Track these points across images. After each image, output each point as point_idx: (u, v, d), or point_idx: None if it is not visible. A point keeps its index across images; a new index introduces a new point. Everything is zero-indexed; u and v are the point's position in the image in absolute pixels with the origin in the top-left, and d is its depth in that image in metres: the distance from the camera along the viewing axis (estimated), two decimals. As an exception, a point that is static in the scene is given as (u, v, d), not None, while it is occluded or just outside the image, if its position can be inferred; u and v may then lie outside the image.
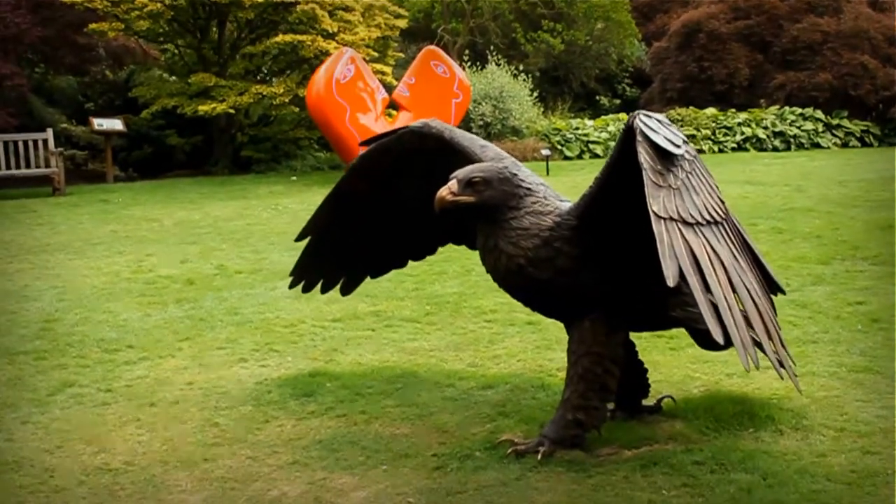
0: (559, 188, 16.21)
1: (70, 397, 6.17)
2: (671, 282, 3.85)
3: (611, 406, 5.39)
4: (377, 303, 8.36)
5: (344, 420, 5.57)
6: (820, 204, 13.79)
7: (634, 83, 36.96)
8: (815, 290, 8.35)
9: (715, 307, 3.86)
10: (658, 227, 3.99)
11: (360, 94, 20.58)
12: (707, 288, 3.87)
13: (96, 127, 22.33)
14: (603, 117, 27.99)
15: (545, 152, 22.05)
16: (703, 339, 5.44)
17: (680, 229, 4.00)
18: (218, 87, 22.03)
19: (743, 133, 27.46)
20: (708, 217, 4.13)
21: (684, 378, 6.07)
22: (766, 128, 27.49)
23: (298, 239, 6.23)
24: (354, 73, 20.49)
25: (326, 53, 21.19)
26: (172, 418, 5.71)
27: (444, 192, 4.77)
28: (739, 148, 27.20)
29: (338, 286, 6.40)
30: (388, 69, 23.70)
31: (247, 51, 23.10)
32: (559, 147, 25.92)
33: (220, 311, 8.28)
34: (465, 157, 5.31)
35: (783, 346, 4.08)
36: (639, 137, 4.26)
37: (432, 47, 22.68)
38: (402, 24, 25.08)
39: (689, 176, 4.24)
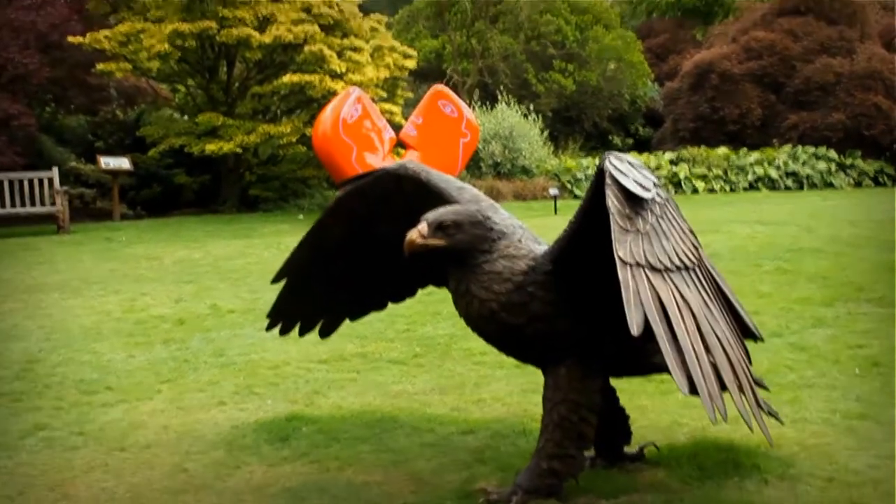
0: (562, 226, 15.93)
1: (40, 441, 6.01)
2: (635, 331, 3.68)
3: (591, 454, 5.24)
4: (366, 344, 8.19)
5: (316, 466, 5.39)
6: (829, 244, 13.60)
7: (648, 123, 36.93)
8: (816, 332, 8.15)
9: (682, 356, 3.68)
10: (624, 274, 3.83)
11: (367, 134, 20.46)
12: (674, 336, 3.69)
13: (103, 166, 22.30)
14: (613, 157, 27.80)
15: (553, 192, 21.91)
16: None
17: (647, 275, 3.84)
18: (226, 126, 22.02)
19: (755, 173, 27.32)
20: (678, 262, 3.96)
21: (671, 424, 5.88)
22: (778, 167, 27.35)
23: (275, 281, 6.07)
24: (361, 112, 20.38)
25: (334, 93, 21.12)
26: (141, 463, 5.54)
27: (413, 234, 4.62)
28: (751, 187, 27.07)
29: (316, 329, 6.22)
30: (396, 109, 23.66)
31: (255, 91, 23.09)
32: (569, 186, 25.80)
33: (206, 352, 8.13)
34: (442, 199, 5.16)
35: (755, 396, 3.89)
36: (608, 181, 4.12)
37: (440, 87, 22.54)
38: (411, 64, 25.03)
39: (660, 220, 4.08)
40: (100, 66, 21.49)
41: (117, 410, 6.60)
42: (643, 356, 4.86)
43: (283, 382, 7.16)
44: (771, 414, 5.21)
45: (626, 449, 5.25)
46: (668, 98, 32.75)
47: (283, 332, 6.21)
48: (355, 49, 22.96)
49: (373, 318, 6.59)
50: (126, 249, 16.26)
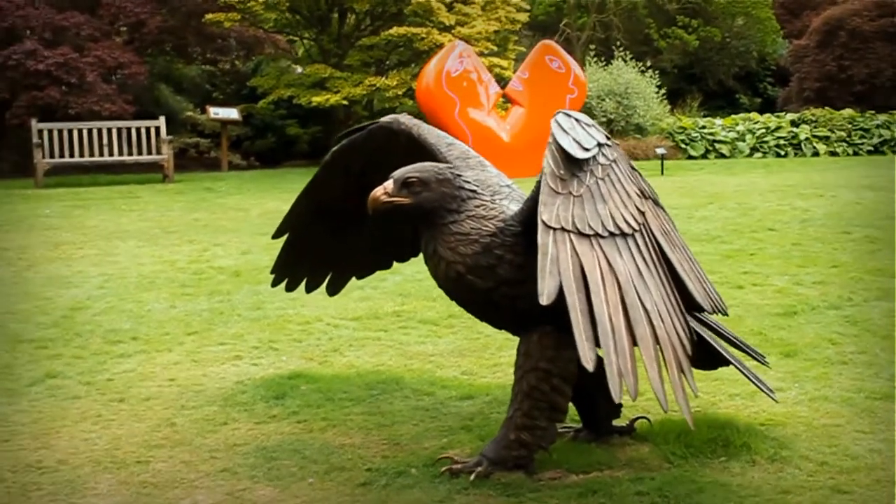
0: (668, 187, 15.77)
1: (47, 389, 6.03)
2: (544, 300, 3.46)
3: (578, 425, 5.04)
4: (406, 302, 8.06)
5: (301, 426, 5.28)
6: (933, 214, 12.97)
7: (777, 82, 35.87)
8: (878, 305, 7.74)
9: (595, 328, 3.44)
10: (544, 238, 3.60)
11: (471, 88, 20.31)
12: (590, 307, 3.46)
13: (212, 115, 22.60)
14: (732, 116, 27.09)
15: (660, 151, 21.41)
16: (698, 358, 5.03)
17: (572, 240, 3.60)
18: (333, 78, 22.02)
19: (881, 136, 26.34)
20: (612, 228, 3.70)
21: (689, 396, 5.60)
22: (906, 131, 26.23)
23: (275, 236, 5.98)
24: (466, 66, 20.22)
25: (441, 46, 20.97)
26: (133, 416, 5.51)
27: (378, 192, 4.45)
28: (876, 151, 26.12)
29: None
30: (507, 63, 23.35)
31: (363, 43, 23.03)
32: (683, 146, 25.20)
33: (246, 305, 8.10)
34: (432, 155, 4.98)
35: (685, 374, 3.62)
36: (550, 139, 3.88)
37: (548, 42, 22.27)
38: (523, 17, 24.71)
39: (600, 182, 3.83)
40: (209, 16, 21.70)
41: (133, 361, 6.59)
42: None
43: (306, 339, 7.07)
44: (762, 389, 4.93)
45: (616, 422, 5.02)
46: (795, 56, 31.70)
47: (289, 288, 6.11)
48: (465, 2, 22.72)
49: (424, 275, 6.40)
50: (220, 200, 16.42)
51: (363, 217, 5.50)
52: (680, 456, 4.72)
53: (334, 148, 5.54)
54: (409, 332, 7.22)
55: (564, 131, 3.94)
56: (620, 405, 4.99)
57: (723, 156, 25.23)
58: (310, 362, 6.53)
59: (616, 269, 3.58)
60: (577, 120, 4.05)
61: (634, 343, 3.49)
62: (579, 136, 3.92)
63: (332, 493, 4.41)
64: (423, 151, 5.06)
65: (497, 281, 4.39)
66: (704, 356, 4.89)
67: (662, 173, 20.57)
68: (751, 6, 33.38)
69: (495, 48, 23.55)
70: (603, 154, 3.93)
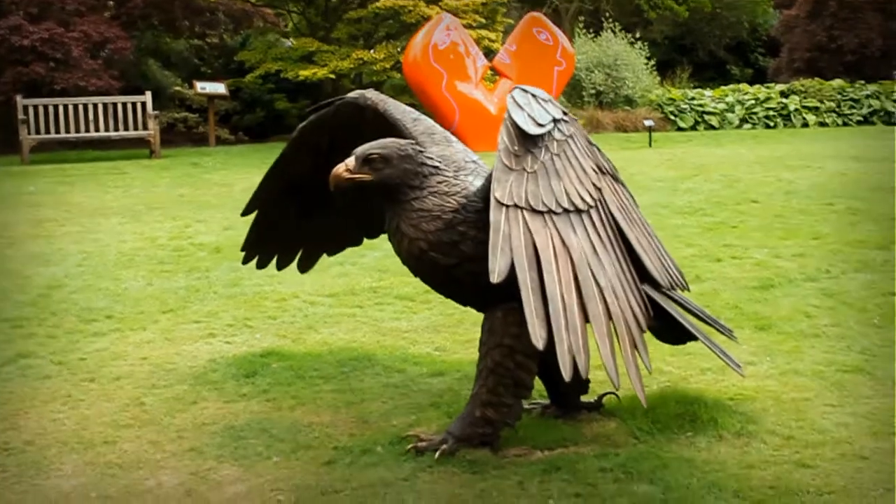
0: (655, 159, 15.74)
1: (18, 369, 6.02)
2: (495, 277, 3.45)
3: (545, 401, 5.03)
4: (383, 278, 8.05)
5: (270, 405, 5.28)
6: (918, 185, 12.95)
7: (769, 53, 35.79)
8: (855, 277, 7.75)
9: (547, 306, 3.43)
10: (496, 216, 3.59)
11: (459, 61, 20.24)
12: (542, 284, 3.44)
13: (199, 90, 22.50)
14: (722, 87, 27.02)
15: (648, 123, 21.35)
16: (663, 332, 5.03)
17: (524, 217, 3.59)
18: (320, 52, 21.93)
19: (871, 106, 26.30)
20: (567, 204, 3.69)
21: (653, 372, 5.58)
22: (896, 101, 26.16)
23: (244, 214, 5.96)
24: (453, 39, 20.15)
25: (428, 19, 20.87)
26: (102, 395, 5.50)
27: (339, 168, 4.44)
28: (866, 121, 26.10)
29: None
30: (495, 36, 23.24)
31: (350, 16, 22.91)
32: (672, 118, 25.14)
33: (223, 282, 8.08)
34: (398, 131, 4.96)
35: (639, 350, 3.62)
36: (505, 115, 3.86)
37: (535, 14, 22.22)
38: (512, -11, 24.57)
39: (555, 158, 3.81)
40: (194, -10, 21.57)
41: (106, 340, 6.58)
42: None
43: (281, 316, 7.06)
44: (729, 364, 4.92)
45: (584, 398, 5.01)
46: (785, 26, 31.66)
47: (260, 265, 6.10)
48: (453, -26, 22.61)
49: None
50: (205, 175, 16.38)
51: (332, 193, 5.49)
52: (646, 431, 4.72)
53: (302, 124, 5.51)
54: (384, 308, 7.20)
55: (520, 107, 3.92)
56: (588, 381, 4.99)
57: (712, 127, 25.18)
58: (283, 340, 6.52)
59: (569, 246, 3.56)
60: (533, 95, 4.03)
61: (587, 320, 3.48)
62: (534, 111, 3.90)
63: (296, 472, 4.41)
64: (389, 127, 5.05)
65: (460, 257, 4.38)
66: (672, 331, 4.89)
67: (650, 145, 20.52)
68: (741, -24, 33.27)
69: (483, 20, 23.42)
70: (559, 130, 3.91)
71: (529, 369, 4.49)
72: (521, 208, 3.62)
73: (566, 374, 3.37)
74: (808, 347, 6.00)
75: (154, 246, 9.94)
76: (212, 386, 5.60)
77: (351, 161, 4.43)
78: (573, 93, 25.55)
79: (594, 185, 3.86)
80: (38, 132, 19.83)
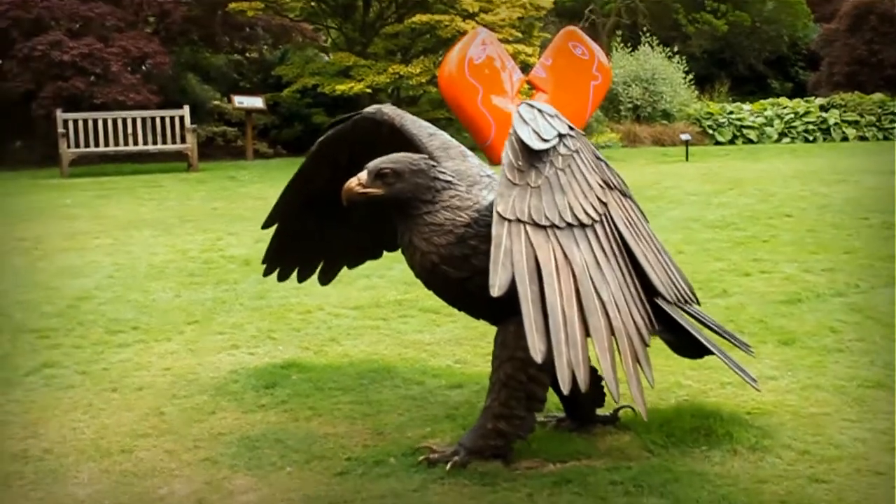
0: (691, 173, 15.67)
1: (42, 378, 6.07)
2: (495, 291, 3.46)
3: (560, 414, 5.02)
4: (409, 290, 8.05)
5: (287, 416, 5.30)
6: (955, 200, 12.82)
7: (809, 66, 35.57)
8: (883, 292, 7.68)
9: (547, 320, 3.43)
10: (499, 230, 3.60)
11: (494, 76, 20.23)
12: (543, 298, 3.45)
13: (237, 104, 22.67)
14: (761, 101, 26.88)
15: (684, 137, 21.26)
16: (679, 346, 5.02)
17: (527, 232, 3.59)
18: (357, 66, 22.03)
19: (912, 120, 26.01)
20: (570, 219, 3.69)
21: (672, 385, 5.59)
22: (939, 115, 25.92)
23: (265, 226, 6.01)
24: (489, 53, 20.16)
25: (464, 34, 20.92)
26: (123, 405, 5.55)
27: (352, 182, 4.47)
28: (907, 135, 25.80)
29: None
30: (531, 50, 23.26)
31: (387, 30, 23.02)
32: (710, 132, 25.04)
33: (249, 294, 8.13)
34: (413, 145, 4.99)
35: (641, 364, 3.60)
36: (510, 131, 3.88)
37: (571, 28, 22.16)
38: (548, 3, 24.60)
39: (560, 173, 3.81)
40: (232, 5, 21.76)
41: (130, 351, 6.63)
42: None
43: (305, 328, 7.09)
44: (745, 378, 4.89)
45: (600, 411, 5.00)
46: (825, 40, 31.46)
47: (281, 278, 6.14)
48: (490, -12, 22.67)
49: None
50: (241, 189, 16.48)
51: (350, 208, 5.52)
52: (661, 445, 4.69)
53: (321, 138, 5.55)
54: (408, 320, 7.22)
55: (525, 122, 3.93)
56: (603, 394, 4.98)
57: (750, 141, 25.08)
58: (305, 351, 6.54)
59: (572, 260, 3.56)
60: (539, 111, 4.03)
61: (588, 334, 3.47)
62: (540, 126, 3.91)
63: (308, 482, 4.42)
64: (406, 142, 5.07)
65: (471, 271, 4.38)
66: (688, 345, 4.87)
67: (687, 159, 20.45)
68: (780, -10, 33.11)
69: (520, 35, 23.47)
70: (564, 145, 3.92)
71: (542, 382, 4.48)
72: (524, 223, 3.63)
73: (564, 387, 3.37)
74: (831, 362, 5.95)
75: (185, 258, 10.01)
76: (231, 397, 5.64)
77: (363, 175, 4.46)
78: (610, 107, 25.53)
79: (599, 199, 3.85)
80: (77, 146, 20.06)
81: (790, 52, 35.50)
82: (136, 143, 20.37)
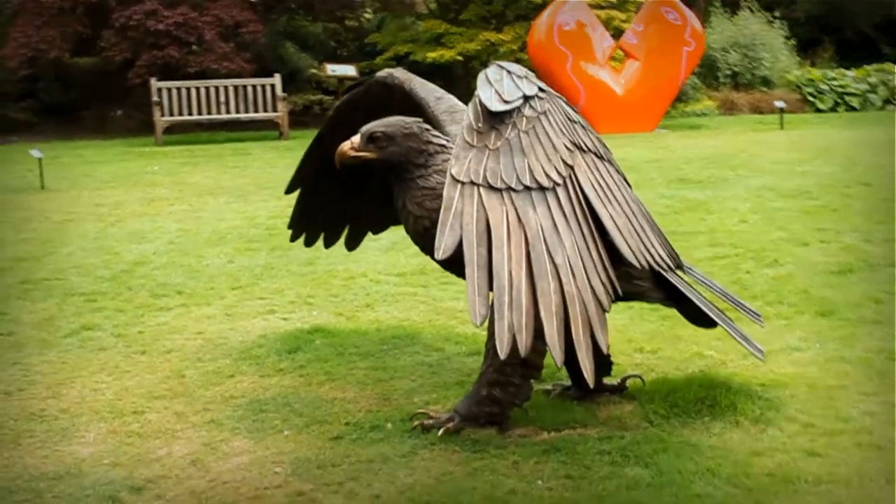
0: (781, 141, 15.32)
1: (79, 340, 6.23)
2: (439, 254, 3.45)
3: (567, 383, 4.99)
4: (457, 258, 8.05)
5: (302, 380, 5.36)
6: None
7: (923, 31, 34.42)
8: (941, 264, 7.44)
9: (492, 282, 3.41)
10: (450, 192, 3.57)
11: (584, 42, 20.06)
12: (490, 260, 3.42)
13: (329, 72, 22.83)
14: (865, 67, 26.09)
15: (779, 105, 20.78)
16: (690, 315, 4.96)
17: (480, 194, 3.56)
18: (448, 33, 21.99)
19: None
20: (529, 181, 3.64)
21: (692, 356, 5.52)
22: None
23: (288, 191, 6.07)
24: (578, 19, 19.98)
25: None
26: (148, 368, 5.67)
27: (345, 146, 4.49)
28: None
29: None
30: (625, 16, 22.96)
31: (478, -5, 22.95)
32: (811, 99, 24.45)
33: (300, 260, 8.19)
34: (421, 109, 4.99)
35: (596, 331, 3.55)
36: (476, 91, 3.85)
37: (664, -8, 21.79)
38: (644, -32, 24.19)
39: (522, 135, 3.77)
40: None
41: (170, 315, 6.76)
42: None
43: (344, 294, 7.15)
44: (749, 349, 4.80)
45: (607, 380, 4.95)
46: (936, 4, 30.41)
47: (308, 243, 6.19)
48: (584, -46, 22.37)
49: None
50: (326, 156, 16.59)
51: (371, 172, 5.53)
52: (662, 416, 4.64)
53: (337, 103, 5.58)
54: (447, 287, 7.21)
55: (489, 83, 3.89)
56: (611, 362, 4.94)
57: (853, 109, 24.42)
58: (338, 317, 6.60)
59: (526, 224, 3.53)
60: (508, 72, 3.99)
61: (536, 298, 3.44)
62: (504, 88, 3.87)
63: (302, 446, 4.47)
64: (415, 105, 5.07)
65: None
66: (697, 315, 4.81)
67: (782, 127, 20.00)
68: (891, -48, 32.05)
69: (614, 1, 23.17)
70: (530, 106, 3.87)
71: (538, 349, 4.44)
72: (478, 185, 3.60)
73: (501, 351, 3.35)
74: (864, 334, 5.80)
75: (250, 225, 10.15)
76: (253, 361, 5.71)
77: (356, 139, 4.48)
78: (708, 73, 25.11)
79: (564, 162, 3.80)
80: (171, 114, 20.40)
81: (902, 16, 34.41)
82: (227, 112, 20.65)
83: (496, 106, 3.81)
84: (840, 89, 24.81)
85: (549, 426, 4.56)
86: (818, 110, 24.38)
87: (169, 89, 20.43)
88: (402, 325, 6.32)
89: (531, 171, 3.68)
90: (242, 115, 20.61)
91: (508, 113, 3.82)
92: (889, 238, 8.35)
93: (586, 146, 4.01)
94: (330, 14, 27.70)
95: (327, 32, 28.42)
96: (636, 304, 5.84)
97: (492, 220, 3.52)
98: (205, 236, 9.58)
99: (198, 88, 20.47)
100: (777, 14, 27.21)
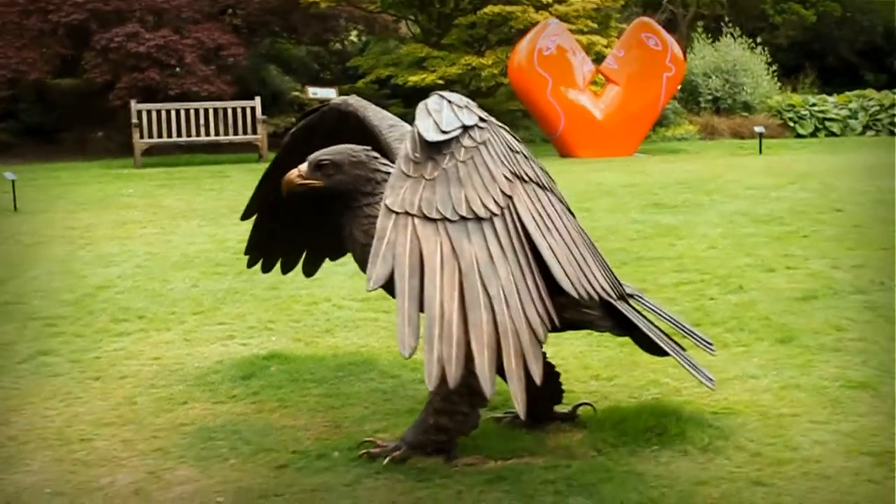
0: (758, 167, 15.37)
1: (34, 366, 6.18)
2: (370, 285, 3.43)
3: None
4: (422, 283, 8.02)
5: (254, 407, 5.32)
6: None
7: (905, 57, 34.61)
8: (908, 291, 7.43)
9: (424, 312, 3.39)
10: (384, 223, 3.55)
11: (564, 67, 20.13)
12: (422, 291, 3.40)
13: (311, 95, 22.83)
14: (846, 93, 26.21)
15: (758, 130, 20.86)
16: (642, 343, 4.93)
17: (415, 225, 3.53)
18: (430, 57, 22.03)
19: None
20: (465, 212, 3.61)
21: (647, 383, 5.50)
22: None
23: (243, 218, 6.04)
24: (559, 44, 20.04)
25: (536, 25, 20.83)
26: (101, 394, 5.62)
27: (292, 174, 4.49)
28: None
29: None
30: (606, 41, 23.04)
31: (460, 21, 22.98)
32: (792, 124, 24.54)
33: (264, 284, 8.12)
34: (374, 136, 4.97)
35: (529, 362, 3.51)
36: (415, 121, 3.85)
37: (645, 19, 21.94)
38: (625, -7, 24.34)
39: (460, 165, 3.75)
40: (302, -2, 21.92)
41: (128, 340, 6.71)
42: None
43: (305, 319, 7.12)
44: (699, 378, 4.78)
45: (558, 408, 4.92)
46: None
47: (265, 269, 6.15)
48: (564, -21, 22.50)
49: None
50: (303, 179, 16.56)
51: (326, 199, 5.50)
52: (611, 444, 4.61)
53: (292, 129, 5.56)
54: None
55: (428, 113, 3.88)
56: (561, 391, 4.92)
57: (833, 134, 24.53)
58: (297, 343, 6.57)
59: (460, 255, 3.50)
60: (449, 101, 3.97)
61: (467, 329, 3.41)
62: (443, 118, 3.85)
63: (247, 475, 4.43)
64: (369, 132, 5.05)
65: None
66: (648, 343, 4.79)
67: (761, 152, 20.06)
68: (872, -21, 32.28)
69: (595, 26, 23.25)
70: (469, 136, 3.85)
71: (485, 378, 4.41)
72: (413, 216, 3.57)
73: (429, 383, 3.32)
74: (821, 362, 5.78)
75: (219, 248, 10.11)
76: (206, 387, 5.67)
77: (303, 166, 4.46)
78: (690, 98, 25.21)
79: (503, 192, 3.77)
80: (150, 136, 20.39)
81: (885, 42, 34.57)
82: (207, 134, 20.66)
83: (433, 136, 3.79)
84: (821, 115, 24.91)
85: (496, 454, 4.52)
86: (799, 135, 24.48)
87: (149, 111, 20.43)
88: (360, 352, 6.29)
89: (468, 202, 3.66)
90: (222, 138, 20.62)
91: (446, 143, 3.80)
92: (857, 264, 8.34)
93: (527, 176, 3.99)
94: (314, 37, 27.75)
95: (311, 55, 28.45)
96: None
97: (425, 250, 3.49)
98: (172, 260, 9.54)
99: (178, 111, 20.48)
100: (759, 40, 27.34)
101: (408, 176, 3.70)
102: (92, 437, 4.96)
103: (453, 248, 3.52)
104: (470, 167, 3.76)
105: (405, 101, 25.71)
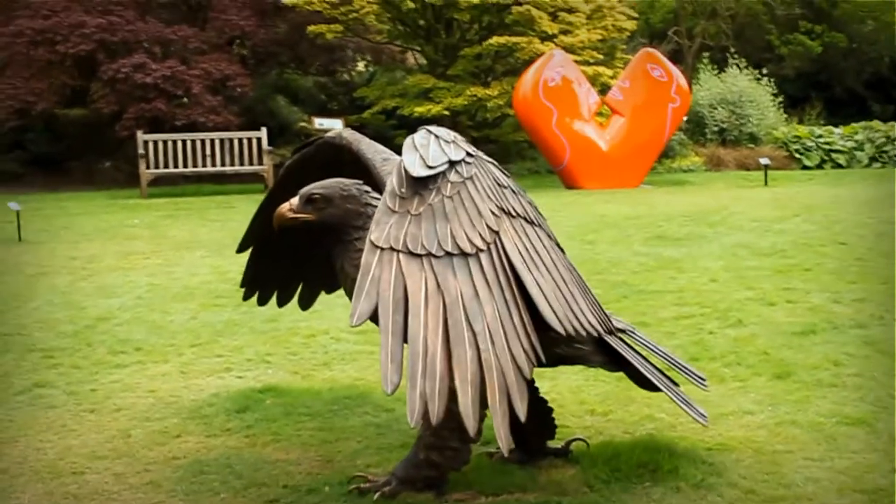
0: (763, 198, 15.32)
1: (30, 398, 6.18)
2: (354, 320, 3.42)
3: (511, 445, 4.93)
4: (421, 316, 8.01)
5: (247, 441, 5.31)
6: None
7: (915, 88, 34.64)
8: (906, 326, 7.41)
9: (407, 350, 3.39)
10: (368, 259, 3.55)
11: (569, 98, 20.15)
12: (405, 327, 3.40)
13: (317, 126, 22.89)
14: (853, 124, 26.21)
15: (763, 161, 20.86)
16: (635, 378, 4.92)
17: (400, 261, 3.53)
18: (436, 88, 22.09)
19: None
20: (450, 247, 3.61)
21: (642, 418, 5.48)
22: None
23: (239, 250, 6.04)
24: (564, 75, 20.08)
25: (541, 56, 20.88)
26: (95, 427, 5.61)
27: (283, 207, 4.49)
28: None
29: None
30: (612, 72, 23.08)
31: (466, 52, 23.06)
32: (798, 156, 24.53)
33: (264, 316, 8.13)
34: (367, 170, 4.98)
35: (514, 399, 3.50)
36: (401, 157, 3.85)
37: (650, 50, 21.96)
38: (631, 26, 24.39)
39: (446, 200, 3.75)
40: (311, 28, 22.00)
41: (125, 372, 6.71)
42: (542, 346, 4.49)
43: (302, 352, 7.11)
44: (691, 414, 4.76)
45: (551, 443, 4.91)
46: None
47: (261, 302, 6.13)
48: (571, 10, 22.57)
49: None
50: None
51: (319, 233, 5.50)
52: (603, 480, 4.59)
53: (287, 162, 5.58)
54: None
55: (414, 148, 3.89)
56: (554, 426, 4.91)
57: (839, 166, 24.50)
58: (293, 376, 6.56)
59: (445, 290, 3.50)
60: (436, 136, 3.98)
61: (451, 366, 3.41)
62: (430, 153, 3.86)
63: (236, 511, 4.42)
64: (362, 166, 5.06)
65: None
66: (640, 378, 4.78)
67: (766, 183, 20.06)
68: (878, 11, 32.29)
69: (601, 57, 23.30)
70: (456, 171, 3.85)
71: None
72: (398, 251, 3.57)
73: (411, 419, 3.31)
74: (818, 398, 5.76)
75: (220, 279, 10.11)
76: (201, 420, 5.66)
77: (294, 200, 4.47)
78: (696, 129, 25.23)
79: (489, 227, 3.77)
80: (156, 167, 20.46)
81: (892, 73, 34.63)
82: (213, 165, 20.74)
83: (419, 171, 3.80)
84: (827, 146, 24.90)
85: (487, 490, 4.51)
86: (805, 167, 24.46)
87: (155, 142, 20.51)
88: (356, 385, 6.28)
89: (453, 237, 3.66)
90: (228, 168, 20.69)
91: (433, 178, 3.81)
92: (858, 298, 8.32)
93: (515, 211, 3.99)
94: (321, 68, 27.87)
95: (318, 86, 28.56)
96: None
97: (410, 286, 3.49)
98: (174, 291, 9.55)
99: (184, 141, 20.56)
100: (765, 71, 27.38)
101: (393, 211, 3.71)
102: (84, 470, 4.95)
103: (438, 284, 3.52)
104: (456, 202, 3.76)
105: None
